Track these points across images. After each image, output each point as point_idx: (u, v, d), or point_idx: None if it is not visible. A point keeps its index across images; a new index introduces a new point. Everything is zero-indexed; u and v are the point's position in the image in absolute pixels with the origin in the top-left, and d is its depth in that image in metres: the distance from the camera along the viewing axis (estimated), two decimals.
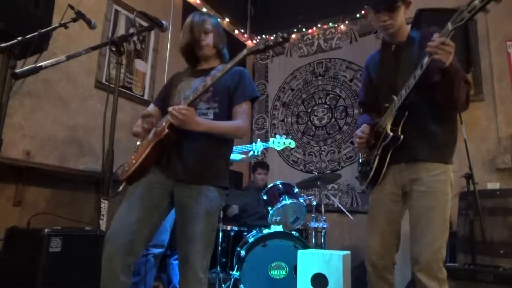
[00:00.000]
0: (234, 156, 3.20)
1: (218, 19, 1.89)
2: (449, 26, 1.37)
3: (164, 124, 1.60)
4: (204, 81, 1.60)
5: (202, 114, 1.69)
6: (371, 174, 1.73)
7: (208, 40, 1.80)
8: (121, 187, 1.84)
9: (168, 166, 1.65)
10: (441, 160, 1.62)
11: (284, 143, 3.21)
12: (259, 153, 3.19)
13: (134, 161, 1.67)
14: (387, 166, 1.70)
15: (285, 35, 1.46)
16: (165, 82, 4.03)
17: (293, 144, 3.28)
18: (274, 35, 1.49)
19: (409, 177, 1.64)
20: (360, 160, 1.90)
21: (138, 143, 1.77)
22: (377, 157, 1.70)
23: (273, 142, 3.22)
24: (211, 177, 1.65)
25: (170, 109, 1.57)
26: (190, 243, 1.57)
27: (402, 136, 1.61)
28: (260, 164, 4.16)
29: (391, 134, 1.61)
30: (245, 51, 1.53)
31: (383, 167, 1.70)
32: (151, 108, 1.89)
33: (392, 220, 1.71)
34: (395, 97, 1.63)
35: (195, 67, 1.88)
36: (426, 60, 1.45)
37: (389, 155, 1.67)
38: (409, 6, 1.71)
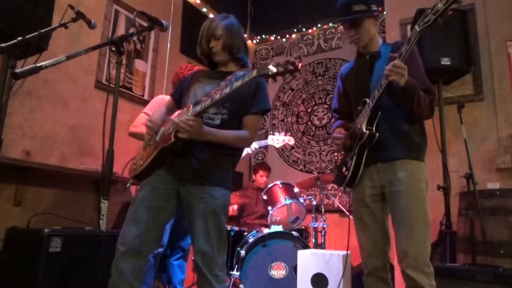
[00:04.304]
0: None
1: (234, 20, 1.86)
2: (417, 28, 1.51)
3: (171, 131, 1.60)
4: (215, 90, 1.58)
5: (209, 118, 1.68)
6: (349, 174, 1.78)
7: (218, 46, 1.78)
8: (128, 184, 1.91)
9: (173, 167, 1.66)
10: (416, 157, 1.70)
11: (283, 140, 3.21)
12: (255, 148, 3.17)
13: (141, 162, 1.70)
14: (364, 167, 1.76)
15: (297, 61, 1.40)
16: (165, 82, 4.09)
17: (292, 141, 3.28)
18: (284, 62, 1.40)
19: (386, 178, 1.70)
20: (334, 164, 1.98)
21: (147, 140, 1.77)
22: (354, 157, 1.75)
23: (272, 140, 3.22)
24: (215, 179, 1.66)
25: (176, 120, 1.59)
26: (200, 242, 1.59)
27: (377, 134, 1.67)
28: (262, 166, 4.12)
29: (367, 132, 1.67)
30: (254, 73, 1.47)
31: (360, 167, 1.75)
32: (168, 100, 1.92)
33: (376, 219, 1.75)
34: (367, 100, 1.71)
35: (215, 68, 1.88)
36: (383, 81, 1.58)
37: (365, 154, 1.73)
38: (377, 18, 1.83)
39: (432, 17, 1.44)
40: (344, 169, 1.84)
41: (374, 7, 1.79)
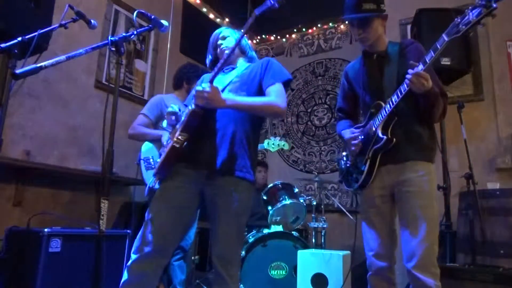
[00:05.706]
0: None
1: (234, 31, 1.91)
2: (445, 37, 1.46)
3: (190, 108, 1.59)
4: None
5: None
6: (363, 177, 1.77)
7: (226, 43, 1.82)
8: (149, 185, 1.86)
9: (194, 158, 1.62)
10: (427, 159, 1.70)
11: (278, 144, 3.23)
12: None
13: (163, 154, 1.66)
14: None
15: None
16: (165, 82, 4.09)
17: (286, 146, 3.29)
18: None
19: (397, 179, 1.69)
20: (343, 165, 1.95)
21: (169, 140, 1.75)
22: (369, 161, 1.74)
23: (268, 144, 3.24)
24: (238, 168, 1.61)
25: (193, 91, 1.59)
26: (219, 242, 1.59)
27: (394, 140, 1.67)
28: (258, 163, 4.13)
29: (385, 137, 1.67)
30: (255, 12, 1.52)
31: (373, 170, 1.74)
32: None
33: (384, 220, 1.75)
34: (382, 103, 1.70)
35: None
36: (404, 87, 1.58)
37: (378, 158, 1.73)
38: (385, 18, 1.80)
39: (463, 28, 1.42)
40: (356, 171, 1.83)
41: (383, 7, 1.77)
